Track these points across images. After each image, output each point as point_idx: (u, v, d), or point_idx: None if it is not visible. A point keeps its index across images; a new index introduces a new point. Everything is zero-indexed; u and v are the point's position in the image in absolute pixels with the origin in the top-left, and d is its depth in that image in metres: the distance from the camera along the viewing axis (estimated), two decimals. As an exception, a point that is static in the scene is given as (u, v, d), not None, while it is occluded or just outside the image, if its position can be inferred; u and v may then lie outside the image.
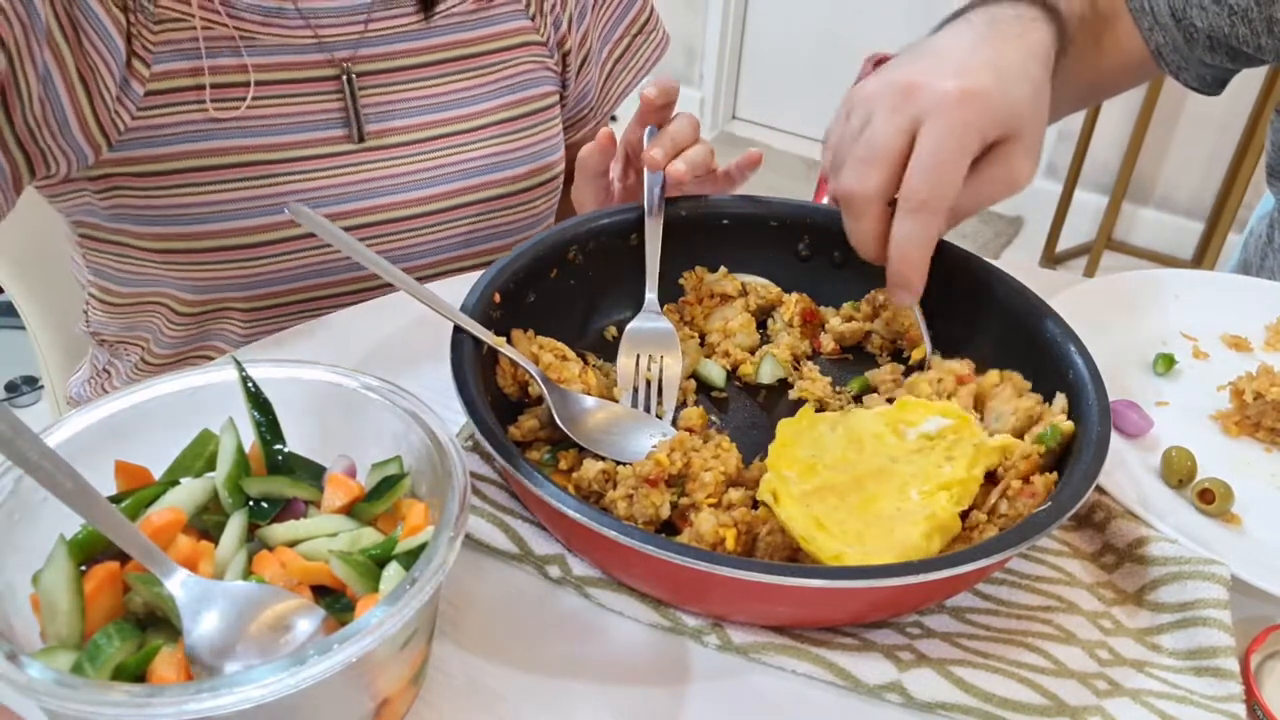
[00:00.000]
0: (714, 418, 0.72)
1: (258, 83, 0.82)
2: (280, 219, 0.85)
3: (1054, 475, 0.63)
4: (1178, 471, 0.70)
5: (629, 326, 0.75)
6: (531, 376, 0.67)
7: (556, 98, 1.01)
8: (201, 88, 0.80)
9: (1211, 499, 0.68)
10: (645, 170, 0.80)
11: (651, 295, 0.77)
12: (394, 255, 0.92)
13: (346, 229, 0.81)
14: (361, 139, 0.87)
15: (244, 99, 0.82)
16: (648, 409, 0.71)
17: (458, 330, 0.65)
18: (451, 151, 0.92)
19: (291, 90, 0.84)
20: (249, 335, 0.91)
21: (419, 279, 0.68)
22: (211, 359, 0.93)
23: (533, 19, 0.95)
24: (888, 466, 0.61)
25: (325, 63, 0.85)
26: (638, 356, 0.73)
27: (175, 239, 0.83)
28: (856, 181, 0.65)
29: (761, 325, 0.81)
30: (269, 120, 0.84)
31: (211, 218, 0.83)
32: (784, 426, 0.62)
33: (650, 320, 0.76)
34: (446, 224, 0.93)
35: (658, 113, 0.81)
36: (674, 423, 0.70)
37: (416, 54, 0.89)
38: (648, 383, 0.72)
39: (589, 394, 0.68)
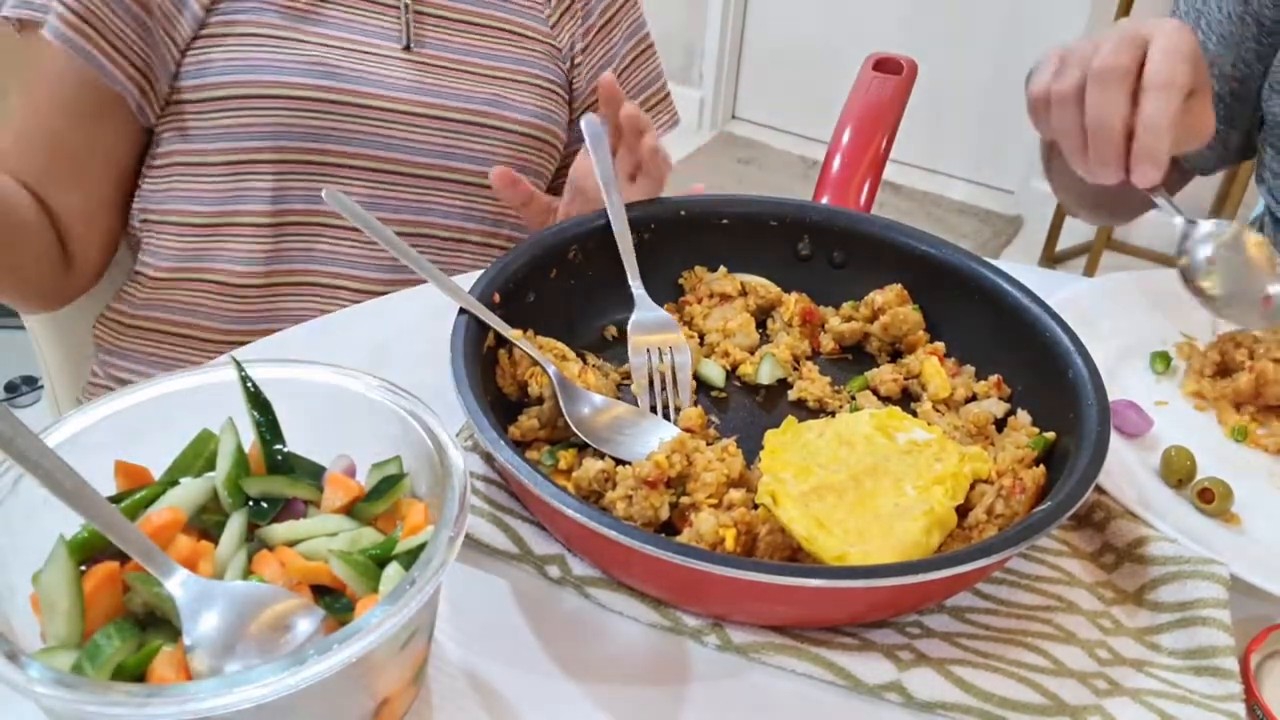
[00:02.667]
0: (713, 418, 0.72)
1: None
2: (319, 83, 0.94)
3: (1042, 470, 0.63)
4: (1177, 471, 0.70)
5: (631, 323, 0.75)
6: (540, 373, 0.67)
7: (560, 90, 1.06)
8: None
9: (1211, 498, 0.68)
10: (585, 129, 0.81)
11: (638, 288, 0.77)
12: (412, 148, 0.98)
13: (392, 113, 0.95)
14: (409, 48, 0.98)
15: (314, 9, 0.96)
16: (666, 405, 0.71)
17: (458, 329, 0.65)
18: (469, 80, 1.00)
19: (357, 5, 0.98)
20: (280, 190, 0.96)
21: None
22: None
23: (551, 27, 1.05)
24: (881, 464, 0.61)
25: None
26: (647, 351, 0.74)
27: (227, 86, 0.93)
28: (1113, 58, 0.72)
29: (761, 325, 0.81)
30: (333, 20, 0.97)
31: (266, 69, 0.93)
32: (771, 437, 0.63)
33: (646, 312, 0.76)
34: (457, 133, 1.00)
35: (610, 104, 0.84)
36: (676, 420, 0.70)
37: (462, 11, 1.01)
38: (663, 375, 0.72)
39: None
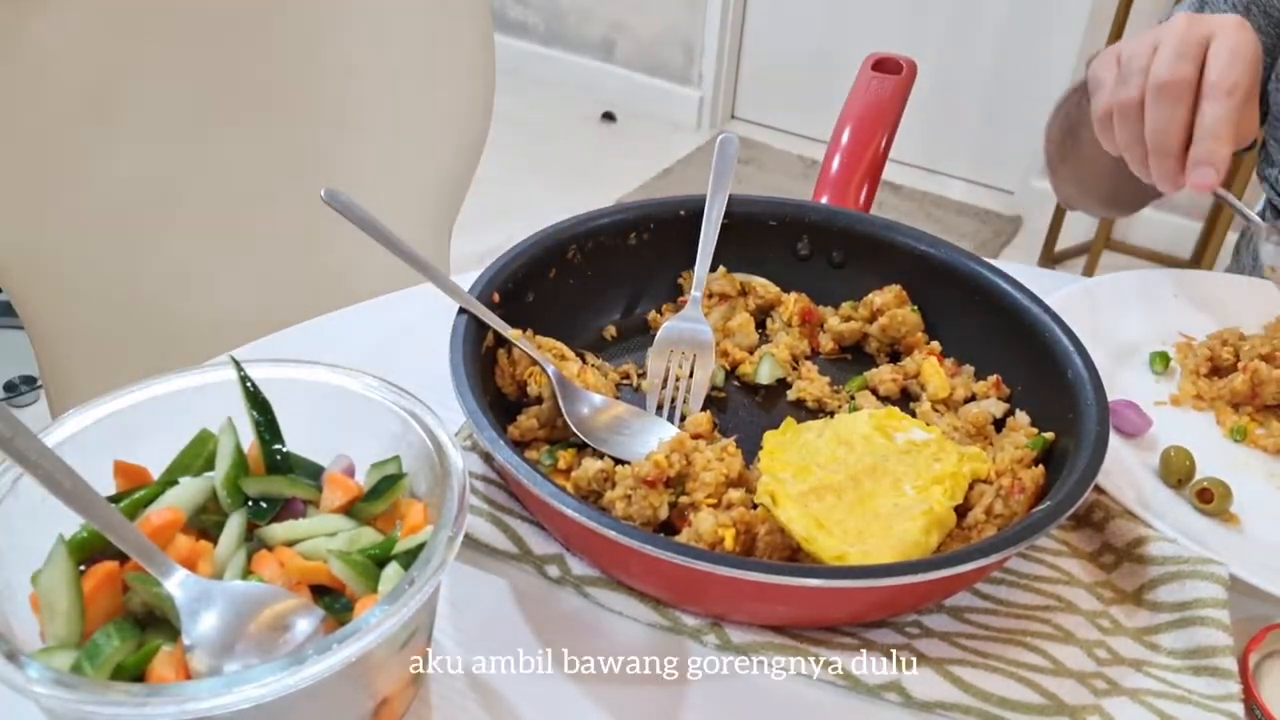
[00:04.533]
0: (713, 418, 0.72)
1: None
2: None
3: (1041, 469, 0.63)
4: (1176, 471, 0.70)
5: (668, 325, 0.76)
6: (539, 373, 0.67)
7: None
8: None
9: (1210, 498, 0.68)
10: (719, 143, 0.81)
11: (697, 291, 0.78)
12: None
13: None
14: None
15: None
16: (673, 406, 0.71)
17: (457, 328, 0.65)
18: None
19: None
20: None
21: None
22: None
23: None
24: (880, 464, 0.61)
25: None
26: (670, 353, 0.74)
27: None
28: (1174, 70, 0.72)
29: (760, 325, 0.81)
30: None
31: None
32: (770, 438, 0.63)
33: (693, 323, 0.76)
34: None
35: None
36: (682, 426, 0.70)
37: None
38: (676, 379, 0.72)
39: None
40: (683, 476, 0.61)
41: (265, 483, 0.53)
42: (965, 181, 3.11)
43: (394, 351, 0.78)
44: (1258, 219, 0.81)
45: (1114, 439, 0.65)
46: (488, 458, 0.66)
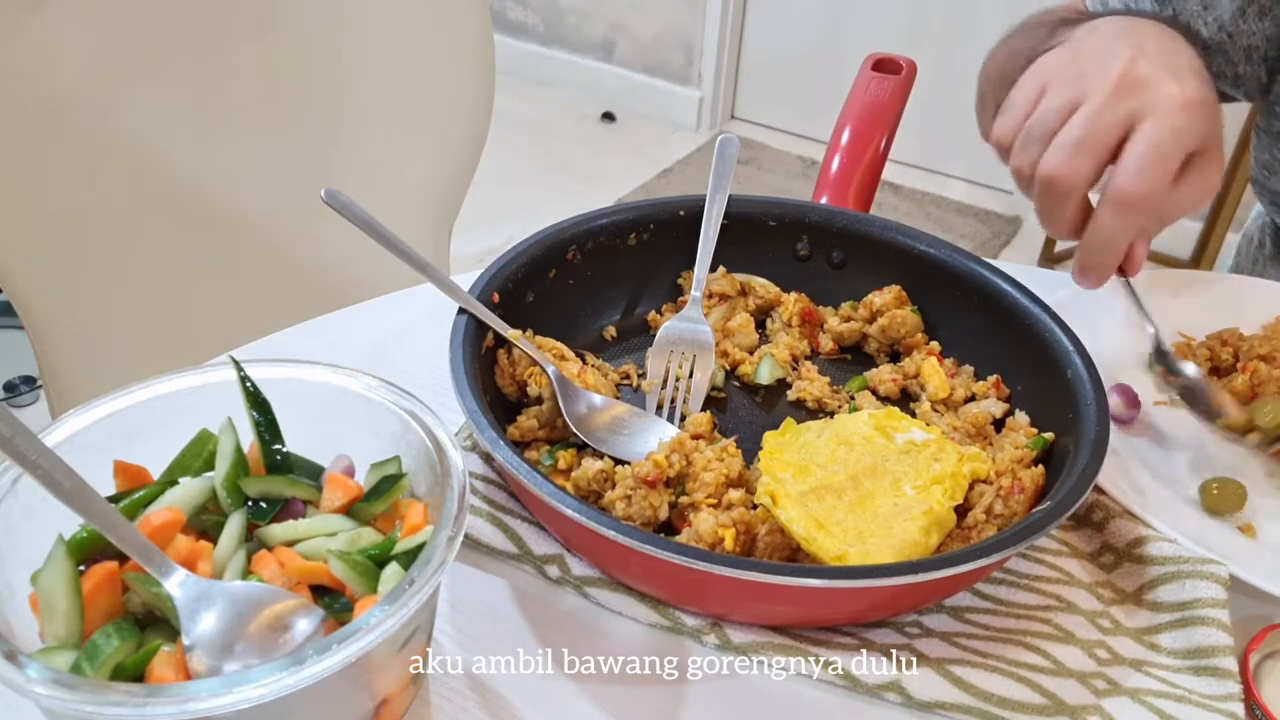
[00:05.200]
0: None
1: None
2: None
3: (1041, 470, 0.63)
4: (1226, 502, 0.68)
5: (668, 324, 0.76)
6: (539, 373, 0.67)
7: None
8: None
9: (1230, 501, 0.67)
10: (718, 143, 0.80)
11: (698, 292, 0.77)
12: None
13: None
14: None
15: None
16: (673, 406, 0.71)
17: (457, 329, 0.65)
18: None
19: None
20: None
21: None
22: None
23: None
24: (880, 464, 0.61)
25: None
26: (670, 352, 0.74)
27: None
28: (1066, 167, 0.64)
29: (760, 325, 0.81)
30: None
31: None
32: (769, 438, 0.63)
33: (693, 323, 0.76)
34: None
35: None
36: (682, 426, 0.70)
37: None
38: (676, 379, 0.72)
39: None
40: (683, 477, 0.61)
41: (265, 483, 0.53)
42: (965, 181, 3.11)
43: (394, 351, 0.78)
44: (1151, 327, 0.74)
45: (1114, 439, 0.65)
46: (488, 458, 0.66)
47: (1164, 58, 0.66)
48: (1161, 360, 0.73)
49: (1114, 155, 0.63)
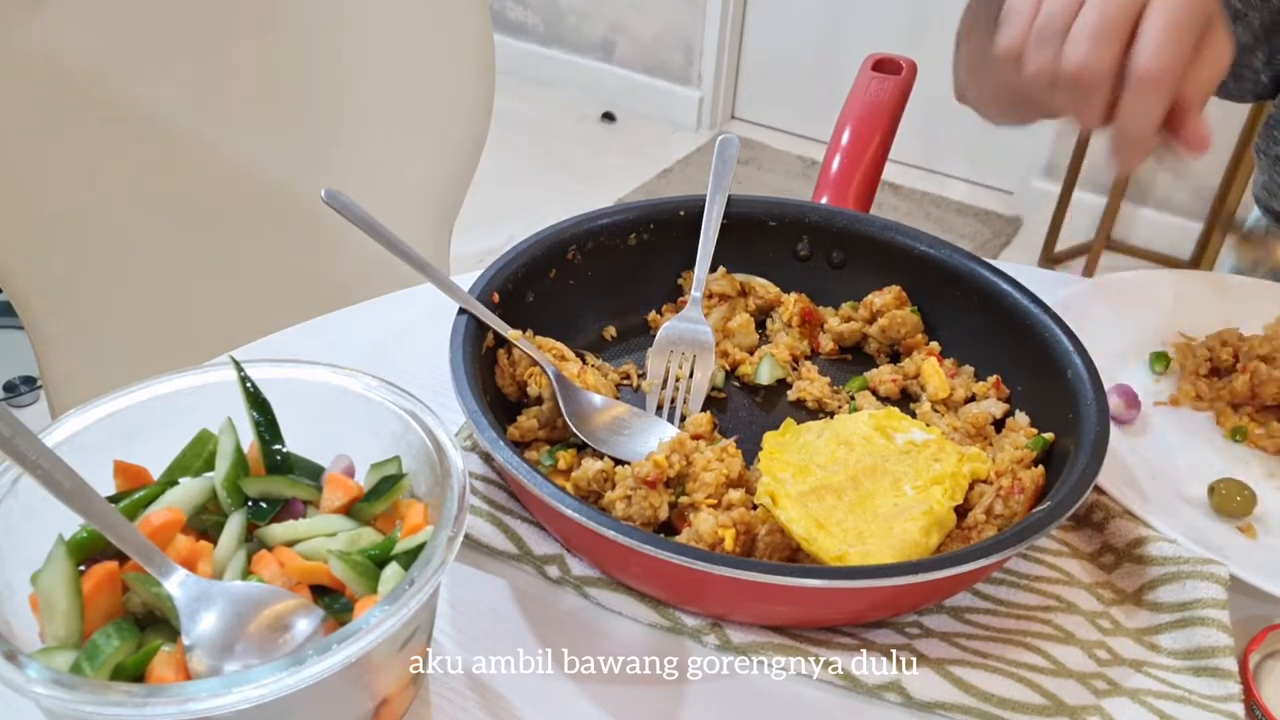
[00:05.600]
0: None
1: None
2: None
3: (1041, 470, 0.63)
4: (1235, 505, 0.68)
5: (668, 324, 0.76)
6: (539, 373, 0.67)
7: None
8: None
9: (1237, 503, 0.67)
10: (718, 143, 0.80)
11: (698, 292, 0.77)
12: None
13: None
14: None
15: None
16: (673, 406, 0.71)
17: (457, 329, 0.65)
18: None
19: None
20: None
21: None
22: None
23: None
24: (880, 464, 0.61)
25: None
26: (670, 352, 0.74)
27: None
28: (1090, 59, 0.62)
29: (760, 325, 0.81)
30: None
31: None
32: (769, 438, 0.63)
33: (693, 324, 0.76)
34: None
35: None
36: (682, 426, 0.70)
37: None
38: (676, 379, 0.72)
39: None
40: (683, 477, 0.61)
41: (265, 483, 0.53)
42: (965, 181, 3.11)
43: (394, 351, 0.78)
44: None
45: (1114, 439, 0.65)
46: (488, 458, 0.66)
47: None
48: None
49: (1133, 37, 0.62)
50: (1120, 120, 0.64)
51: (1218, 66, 0.65)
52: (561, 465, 0.65)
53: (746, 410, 0.74)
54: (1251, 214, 1.19)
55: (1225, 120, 2.64)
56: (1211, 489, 0.69)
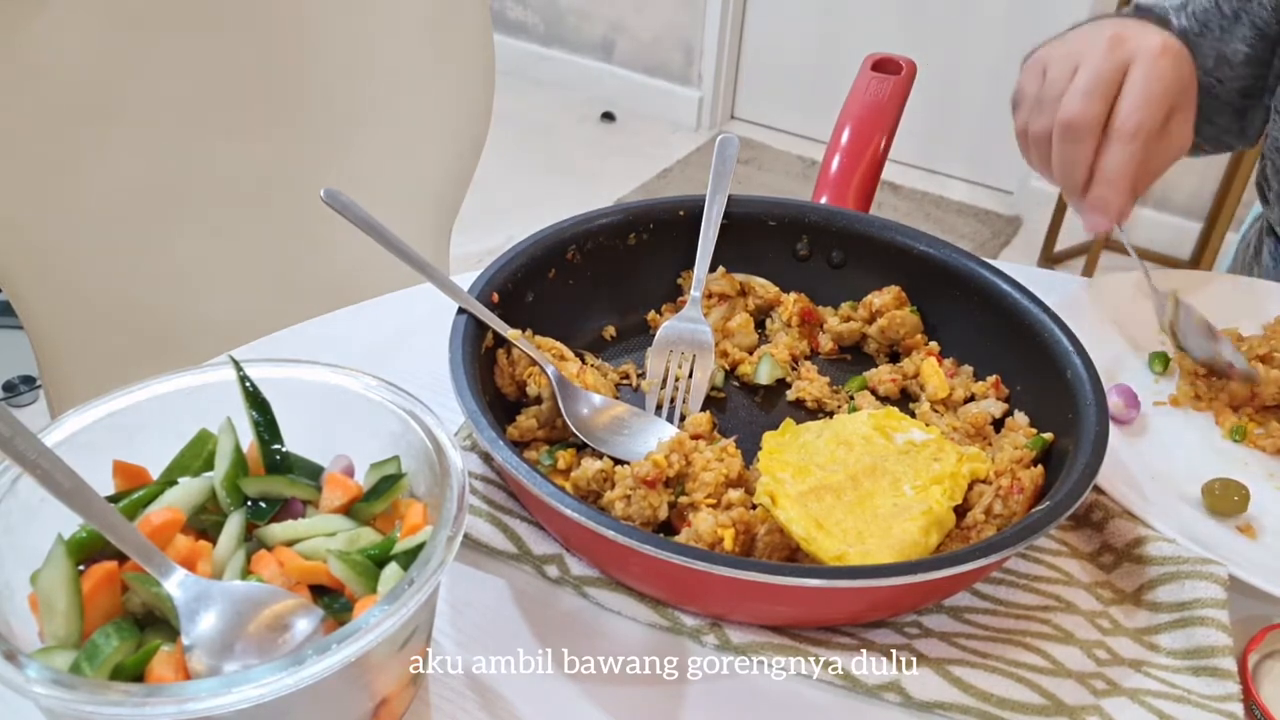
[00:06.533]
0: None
1: None
2: None
3: (1040, 469, 0.63)
4: (1228, 504, 0.68)
5: (668, 324, 0.76)
6: (538, 373, 0.67)
7: None
8: None
9: (1232, 502, 0.67)
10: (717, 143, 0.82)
11: (697, 292, 0.78)
12: None
13: None
14: None
15: None
16: (673, 406, 0.71)
17: (457, 328, 0.65)
18: None
19: None
20: None
21: None
22: None
23: None
24: (879, 464, 0.61)
25: None
26: (670, 352, 0.74)
27: None
28: (1080, 109, 0.73)
29: (760, 325, 0.81)
30: None
31: None
32: (769, 438, 0.63)
33: (692, 323, 0.76)
34: None
35: None
36: (682, 426, 0.70)
37: None
38: (676, 379, 0.72)
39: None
40: (682, 476, 0.61)
41: (265, 483, 0.53)
42: (964, 181, 3.11)
43: (394, 351, 0.78)
44: (1145, 271, 0.84)
45: (1113, 439, 0.65)
46: (487, 458, 0.66)
47: (1142, 27, 0.78)
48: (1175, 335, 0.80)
49: (1116, 99, 0.73)
50: (1099, 169, 0.74)
51: (1176, 151, 0.77)
52: (561, 465, 0.65)
53: (746, 410, 0.74)
54: (1250, 214, 1.19)
55: (1225, 120, 2.63)
56: (1206, 489, 0.69)
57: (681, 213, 0.80)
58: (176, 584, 0.46)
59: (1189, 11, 0.94)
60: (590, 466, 0.62)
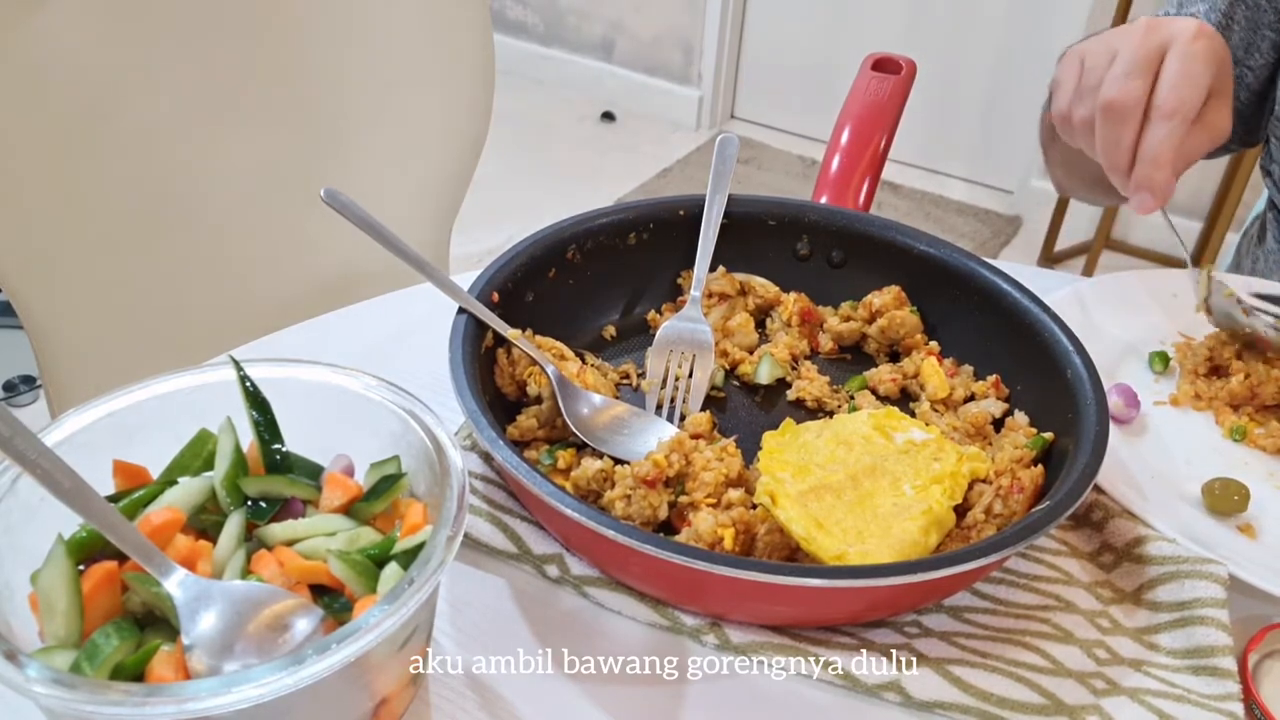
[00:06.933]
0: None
1: None
2: None
3: (1040, 469, 0.63)
4: (1227, 503, 0.68)
5: (668, 324, 0.76)
6: (538, 373, 0.67)
7: None
8: None
9: (1232, 502, 0.67)
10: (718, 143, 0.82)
11: (697, 291, 0.78)
12: None
13: None
14: None
15: None
16: (673, 406, 0.71)
17: (457, 328, 0.65)
18: None
19: None
20: None
21: None
22: None
23: None
24: (879, 464, 0.61)
25: None
26: (670, 352, 0.74)
27: None
28: (1122, 91, 0.73)
29: (760, 325, 0.81)
30: None
31: None
32: (769, 438, 0.63)
33: (692, 323, 0.76)
34: None
35: None
36: (682, 426, 0.70)
37: None
38: (676, 379, 0.72)
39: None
40: (682, 476, 0.61)
41: (265, 483, 0.53)
42: (965, 181, 3.11)
43: (394, 351, 0.78)
44: (1183, 244, 0.84)
45: (1113, 439, 0.65)
46: (487, 458, 0.66)
47: (1175, 17, 0.79)
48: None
49: (1155, 80, 0.73)
50: (1142, 149, 0.73)
51: (1216, 134, 0.76)
52: (561, 465, 0.65)
53: (746, 410, 0.74)
54: (1251, 214, 1.19)
55: (1225, 120, 2.63)
56: (1206, 489, 0.69)
57: (681, 212, 0.80)
58: (176, 584, 0.46)
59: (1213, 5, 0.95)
60: (590, 466, 0.62)
